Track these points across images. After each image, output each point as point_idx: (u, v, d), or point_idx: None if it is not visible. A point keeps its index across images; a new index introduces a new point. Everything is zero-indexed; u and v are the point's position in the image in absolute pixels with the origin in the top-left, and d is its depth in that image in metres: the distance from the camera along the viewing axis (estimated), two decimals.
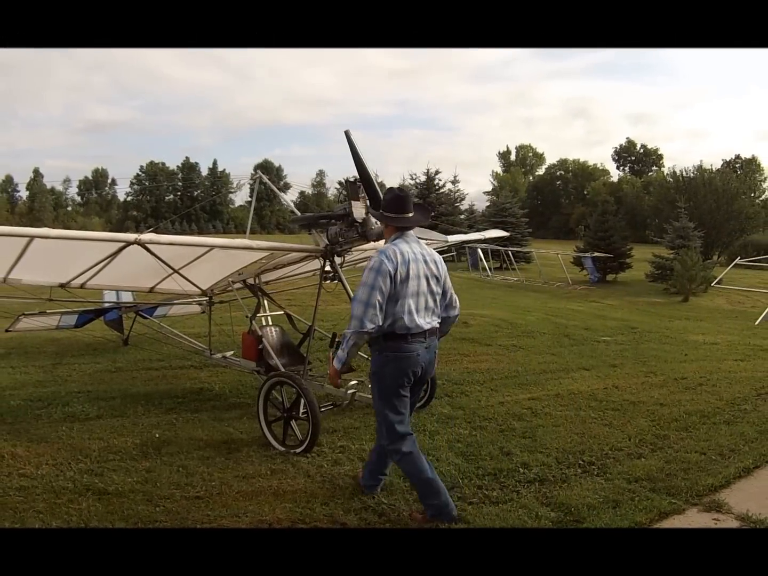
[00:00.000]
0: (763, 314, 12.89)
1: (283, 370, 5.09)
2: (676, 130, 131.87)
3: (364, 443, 4.61)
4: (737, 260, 17.17)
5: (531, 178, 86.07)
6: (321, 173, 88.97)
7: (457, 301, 3.79)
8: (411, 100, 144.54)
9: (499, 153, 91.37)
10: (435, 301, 3.60)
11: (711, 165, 35.77)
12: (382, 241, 4.32)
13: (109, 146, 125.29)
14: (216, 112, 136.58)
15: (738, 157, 61.22)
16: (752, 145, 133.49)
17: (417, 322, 3.46)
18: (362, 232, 4.73)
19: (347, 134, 4.67)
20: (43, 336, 8.35)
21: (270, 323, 6.10)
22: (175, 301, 7.64)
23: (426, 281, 3.53)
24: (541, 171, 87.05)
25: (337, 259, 5.11)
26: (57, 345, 8.22)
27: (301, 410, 4.53)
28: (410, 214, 3.60)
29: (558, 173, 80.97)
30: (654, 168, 77.54)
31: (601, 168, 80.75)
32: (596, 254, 22.70)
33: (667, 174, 45.51)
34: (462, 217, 33.18)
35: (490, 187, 68.85)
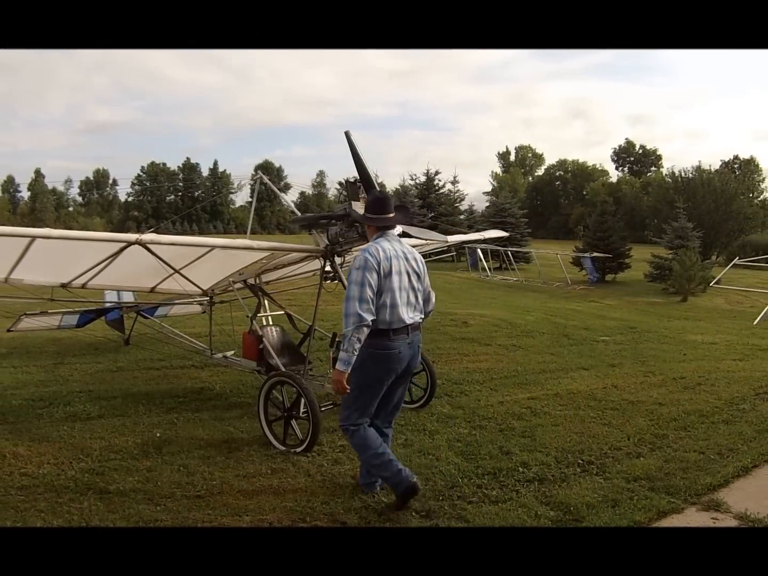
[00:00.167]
0: (762, 314, 12.92)
1: (283, 369, 5.11)
2: (675, 130, 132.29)
3: None
4: (736, 260, 17.22)
5: (530, 178, 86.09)
6: (321, 174, 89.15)
7: (434, 296, 3.91)
8: (411, 101, 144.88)
9: (498, 153, 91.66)
10: (417, 297, 3.72)
11: (710, 165, 36.01)
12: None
13: (110, 147, 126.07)
14: (217, 112, 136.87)
15: (736, 157, 61.30)
16: (751, 146, 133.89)
17: (399, 317, 3.56)
18: (362, 233, 4.75)
19: (347, 135, 4.68)
20: (45, 336, 8.36)
21: (270, 323, 6.11)
22: (176, 301, 7.66)
23: (407, 277, 3.66)
24: (540, 171, 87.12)
25: (338, 259, 5.12)
26: (58, 345, 8.24)
27: (302, 410, 4.54)
28: (391, 215, 3.75)
29: (557, 174, 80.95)
30: (653, 168, 77.60)
31: (600, 168, 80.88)
32: (595, 254, 22.72)
33: (666, 174, 45.70)
34: (462, 217, 33.20)
35: (489, 188, 69.17)
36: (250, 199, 69.03)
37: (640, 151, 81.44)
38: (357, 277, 3.47)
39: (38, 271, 5.19)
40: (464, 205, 35.16)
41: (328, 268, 5.16)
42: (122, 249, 4.59)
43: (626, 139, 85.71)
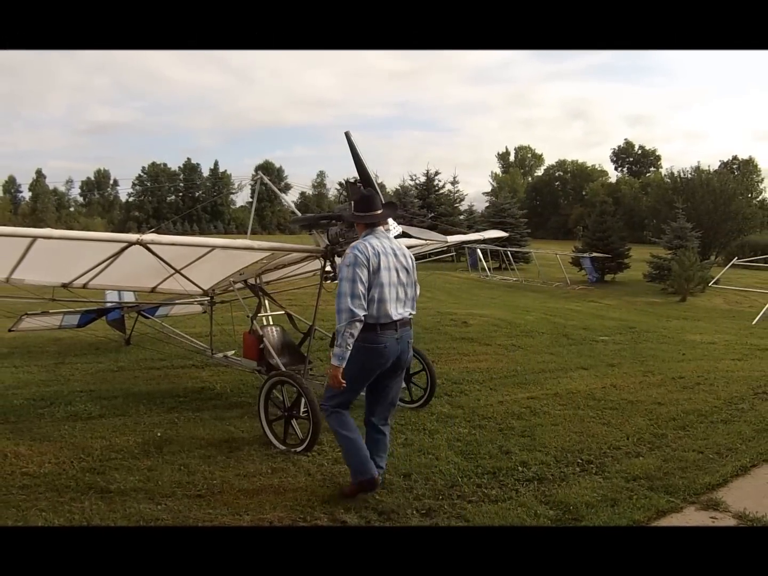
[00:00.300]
0: (760, 314, 12.95)
1: (283, 369, 5.12)
2: (674, 131, 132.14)
3: None
4: (734, 260, 17.24)
5: (530, 178, 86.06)
6: (321, 174, 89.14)
7: (419, 289, 4.00)
8: (411, 102, 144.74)
9: (498, 154, 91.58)
10: (406, 292, 3.78)
11: (708, 166, 36.04)
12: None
13: (111, 147, 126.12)
14: (217, 113, 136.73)
15: (735, 158, 61.30)
16: (749, 146, 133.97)
17: (386, 312, 3.62)
18: None
19: (347, 135, 4.70)
20: (46, 335, 8.37)
21: (271, 323, 6.12)
22: (177, 301, 7.67)
23: (396, 273, 3.71)
24: (539, 172, 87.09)
25: (338, 260, 5.13)
26: (59, 344, 8.25)
27: (302, 409, 4.55)
28: (378, 211, 3.83)
29: (557, 174, 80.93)
30: (652, 169, 77.58)
31: (599, 169, 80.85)
32: (594, 254, 22.75)
33: (665, 175, 45.75)
34: (461, 217, 33.21)
35: (489, 188, 69.31)
36: (250, 200, 69.11)
37: (639, 151, 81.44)
38: (347, 273, 3.55)
39: (39, 271, 5.20)
40: (464, 206, 35.25)
41: (328, 268, 5.17)
42: (123, 249, 4.60)
43: (625, 139, 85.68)
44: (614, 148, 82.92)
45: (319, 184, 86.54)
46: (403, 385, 5.59)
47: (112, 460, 4.30)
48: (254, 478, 4.03)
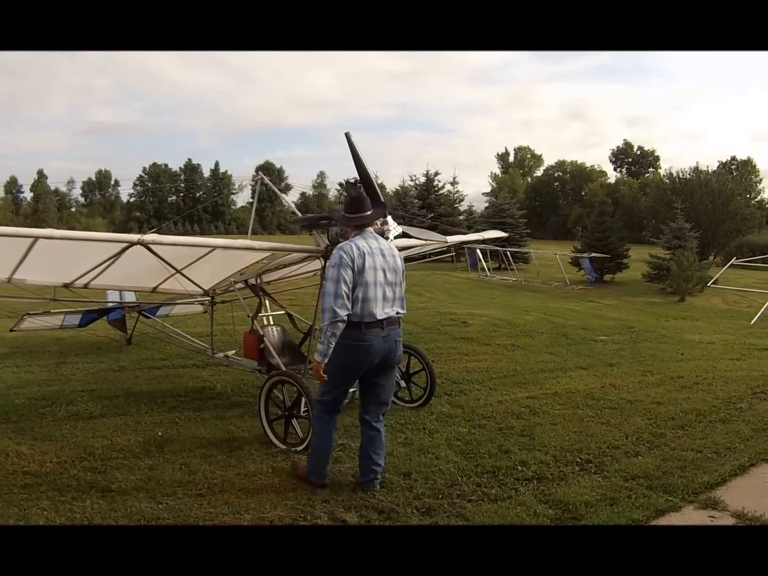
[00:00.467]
0: (759, 314, 12.98)
1: (284, 369, 5.14)
2: (673, 132, 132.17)
3: None
4: (733, 260, 17.25)
5: (529, 179, 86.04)
6: (322, 175, 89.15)
7: (405, 287, 4.06)
8: (410, 102, 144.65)
9: (497, 155, 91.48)
10: (394, 292, 3.85)
11: (707, 166, 36.04)
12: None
13: (112, 148, 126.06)
14: (218, 114, 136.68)
15: (734, 158, 61.30)
16: (748, 147, 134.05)
17: (371, 311, 3.70)
18: None
19: (348, 136, 4.71)
20: (47, 335, 8.39)
21: (271, 323, 6.14)
22: (178, 301, 7.68)
23: (383, 273, 3.78)
24: (539, 172, 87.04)
25: None
26: (61, 344, 8.27)
27: (302, 409, 4.57)
28: (367, 213, 3.89)
29: (556, 174, 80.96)
30: (651, 169, 77.61)
31: (598, 169, 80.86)
32: (594, 255, 22.77)
33: (664, 175, 45.73)
34: (461, 218, 33.25)
35: (488, 189, 69.10)
36: (251, 200, 69.11)
37: (638, 152, 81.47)
38: (332, 274, 3.66)
39: (41, 272, 5.22)
40: (463, 206, 35.27)
41: None
42: (124, 249, 4.61)
43: (624, 140, 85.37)
44: (613, 149, 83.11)
45: (320, 184, 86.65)
46: (404, 384, 5.64)
47: (113, 459, 4.31)
48: (255, 477, 4.05)
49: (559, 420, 5.32)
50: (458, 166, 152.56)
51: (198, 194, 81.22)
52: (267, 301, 6.16)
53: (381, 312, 3.75)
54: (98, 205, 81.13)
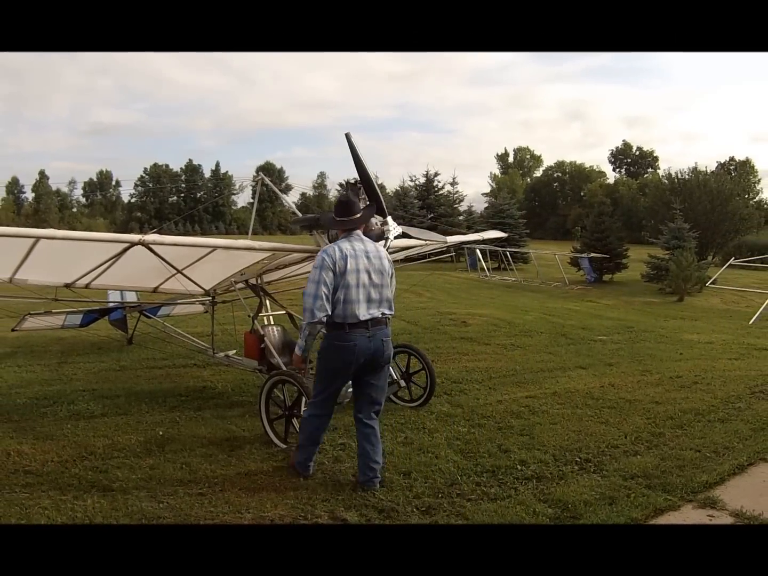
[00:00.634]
0: (757, 314, 12.99)
1: (284, 368, 5.15)
2: (672, 132, 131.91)
3: None
4: (732, 261, 17.26)
5: (528, 179, 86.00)
6: (322, 175, 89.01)
7: (395, 288, 4.18)
8: (410, 103, 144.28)
9: (497, 155, 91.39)
10: (380, 293, 3.90)
11: (706, 167, 35.96)
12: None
13: (113, 148, 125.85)
14: (219, 115, 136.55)
15: (732, 159, 61.38)
16: (746, 148, 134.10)
17: (353, 312, 3.77)
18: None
19: (348, 137, 4.73)
20: (49, 335, 8.41)
21: (272, 323, 6.15)
22: (179, 301, 7.70)
23: (367, 275, 3.83)
24: (538, 173, 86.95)
25: None
26: (62, 344, 8.29)
27: (303, 408, 4.58)
28: (356, 216, 3.95)
29: (555, 175, 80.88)
30: (649, 170, 77.55)
31: (597, 170, 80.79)
32: (593, 255, 22.79)
33: (663, 176, 45.72)
34: (460, 218, 33.28)
35: (488, 189, 69.13)
36: (251, 200, 68.84)
37: (637, 152, 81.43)
38: (314, 275, 3.76)
39: (42, 272, 5.23)
40: (463, 206, 35.30)
41: None
42: (125, 249, 4.63)
43: (623, 140, 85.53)
44: (612, 150, 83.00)
45: (320, 185, 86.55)
46: (403, 384, 5.66)
47: (114, 458, 4.33)
48: (255, 476, 4.06)
49: (559, 419, 5.34)
50: (458, 167, 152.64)
51: (199, 195, 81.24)
52: (267, 301, 6.18)
53: (365, 313, 3.81)
54: (99, 206, 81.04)
